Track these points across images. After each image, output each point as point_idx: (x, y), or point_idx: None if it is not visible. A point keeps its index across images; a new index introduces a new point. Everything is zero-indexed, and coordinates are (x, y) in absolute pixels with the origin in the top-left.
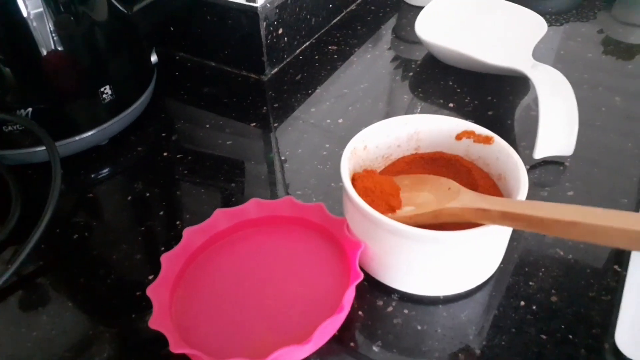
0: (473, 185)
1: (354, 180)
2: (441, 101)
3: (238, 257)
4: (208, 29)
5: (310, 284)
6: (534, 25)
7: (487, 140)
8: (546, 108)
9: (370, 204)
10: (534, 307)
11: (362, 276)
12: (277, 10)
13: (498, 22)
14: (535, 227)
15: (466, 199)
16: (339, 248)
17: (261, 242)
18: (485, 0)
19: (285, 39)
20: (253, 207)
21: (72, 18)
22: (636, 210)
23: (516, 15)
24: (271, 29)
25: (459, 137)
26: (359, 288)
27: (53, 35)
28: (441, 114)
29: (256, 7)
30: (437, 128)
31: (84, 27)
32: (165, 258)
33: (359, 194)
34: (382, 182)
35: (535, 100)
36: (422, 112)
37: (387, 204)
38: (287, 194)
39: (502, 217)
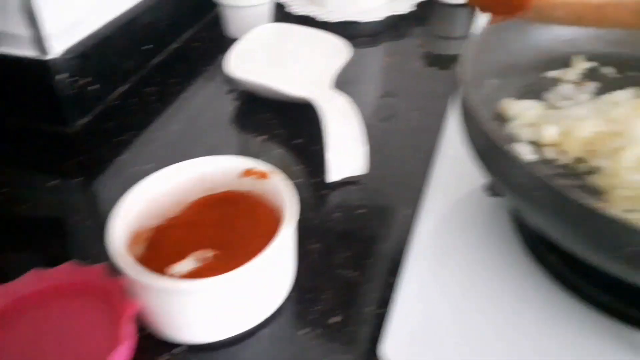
0: (254, 222)
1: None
2: (255, 134)
3: (12, 339)
4: (3, 86)
5: (85, 353)
6: (339, 51)
7: (264, 175)
8: (333, 134)
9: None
10: (319, 331)
11: (133, 337)
12: (78, 60)
13: (304, 51)
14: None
15: None
16: (117, 310)
17: (38, 319)
18: (292, 30)
19: (95, 86)
20: (32, 279)
21: None
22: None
23: (322, 43)
24: (74, 79)
25: (242, 175)
26: (142, 347)
27: None
28: (255, 146)
29: (46, 61)
30: (222, 168)
31: None
32: None
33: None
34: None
35: None
36: (239, 147)
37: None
38: (87, 254)
39: None
